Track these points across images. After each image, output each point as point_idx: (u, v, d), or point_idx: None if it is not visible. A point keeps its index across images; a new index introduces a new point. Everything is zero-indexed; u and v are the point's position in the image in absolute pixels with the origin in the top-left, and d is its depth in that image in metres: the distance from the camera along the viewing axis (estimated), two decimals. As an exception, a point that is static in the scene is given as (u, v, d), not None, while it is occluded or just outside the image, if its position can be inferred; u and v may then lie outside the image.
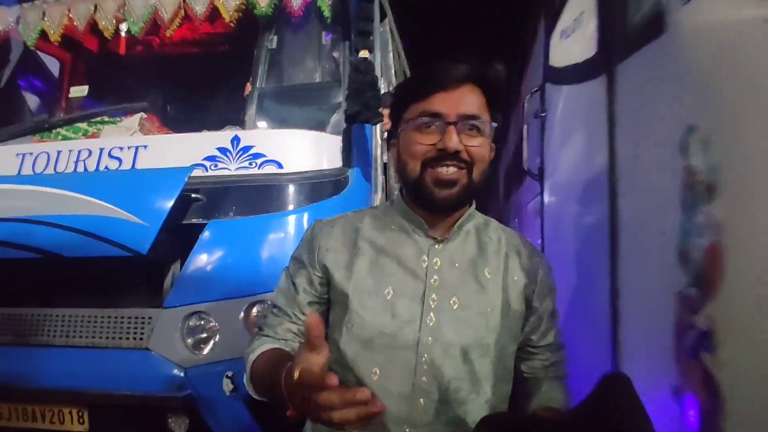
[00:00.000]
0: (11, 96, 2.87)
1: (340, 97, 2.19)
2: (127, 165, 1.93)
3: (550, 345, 0.95)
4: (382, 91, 2.51)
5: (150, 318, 1.74)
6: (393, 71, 3.30)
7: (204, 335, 1.73)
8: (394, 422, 0.79)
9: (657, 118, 0.85)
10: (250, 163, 1.91)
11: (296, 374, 0.59)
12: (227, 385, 1.64)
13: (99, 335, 1.81)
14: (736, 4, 0.61)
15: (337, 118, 2.13)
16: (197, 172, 1.87)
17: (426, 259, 0.87)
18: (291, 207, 1.85)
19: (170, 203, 1.67)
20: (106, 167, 1.93)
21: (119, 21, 2.58)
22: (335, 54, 2.40)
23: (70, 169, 1.97)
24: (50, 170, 1.99)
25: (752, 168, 0.61)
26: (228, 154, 1.91)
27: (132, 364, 1.72)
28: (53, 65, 3.08)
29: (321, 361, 0.59)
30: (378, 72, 2.38)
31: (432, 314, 0.83)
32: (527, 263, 0.93)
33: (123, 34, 2.64)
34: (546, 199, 1.93)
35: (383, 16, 3.02)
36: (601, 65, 1.12)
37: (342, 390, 0.56)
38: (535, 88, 2.11)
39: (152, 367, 1.70)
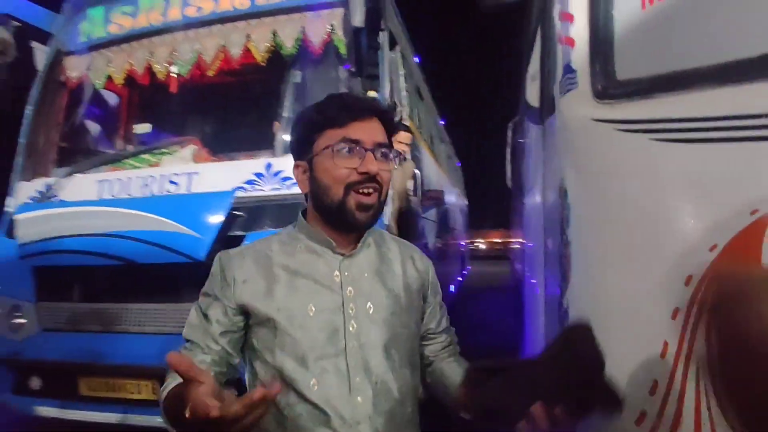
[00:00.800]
0: (80, 128, 3.42)
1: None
2: (183, 188, 2.40)
3: (446, 329, 1.09)
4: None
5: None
6: (404, 92, 3.70)
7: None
8: (341, 423, 0.85)
9: (553, 169, 1.21)
10: (281, 185, 2.35)
11: (187, 413, 0.61)
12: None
13: (165, 324, 2.29)
14: (584, 105, 0.94)
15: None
16: (238, 193, 2.32)
17: (338, 273, 0.93)
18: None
19: (221, 219, 2.13)
20: (167, 191, 2.42)
21: (170, 65, 3.07)
22: (350, 86, 2.81)
23: (139, 193, 2.46)
24: (124, 194, 2.49)
25: (585, 208, 0.96)
26: (263, 177, 2.36)
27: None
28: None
29: (207, 389, 0.62)
30: (387, 99, 2.79)
31: (353, 321, 0.90)
32: (420, 265, 1.05)
33: (173, 74, 3.14)
34: (524, 210, 2.29)
35: (394, 44, 3.42)
36: (540, 116, 1.47)
37: (235, 402, 0.60)
38: (516, 118, 2.47)
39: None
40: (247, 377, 0.97)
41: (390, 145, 0.95)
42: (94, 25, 3.29)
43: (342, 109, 0.91)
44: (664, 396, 0.79)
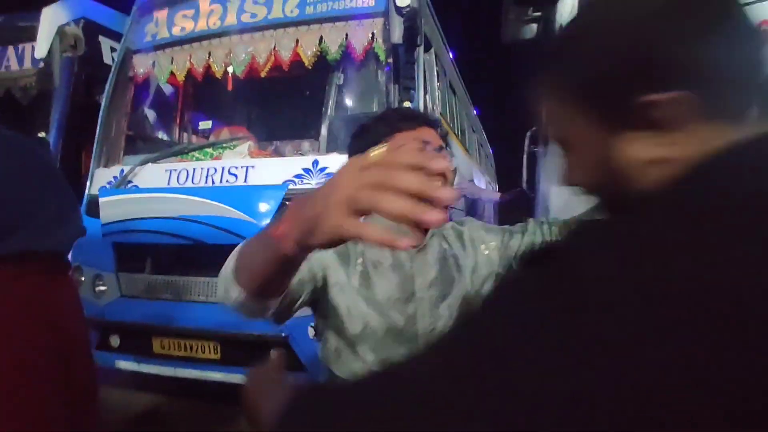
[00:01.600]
0: (147, 121, 3.85)
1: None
2: (241, 180, 2.77)
3: None
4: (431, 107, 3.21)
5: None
6: (437, 92, 3.95)
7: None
8: None
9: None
10: (326, 179, 2.68)
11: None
12: (311, 332, 2.44)
13: (225, 296, 2.68)
14: None
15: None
16: (289, 185, 2.68)
17: (411, 263, 0.99)
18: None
19: (275, 208, 2.50)
20: (227, 181, 2.79)
21: (226, 65, 3.42)
22: (388, 91, 3.10)
23: (203, 183, 2.85)
24: (189, 183, 2.88)
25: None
26: (309, 173, 2.70)
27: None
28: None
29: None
30: (425, 102, 3.07)
31: (425, 308, 0.97)
32: (475, 239, 1.09)
33: (229, 74, 3.50)
34: (538, 211, 2.55)
35: (429, 47, 3.67)
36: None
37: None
38: (533, 128, 2.72)
39: (263, 317, 2.56)
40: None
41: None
42: (159, 26, 3.66)
43: (409, 118, 1.01)
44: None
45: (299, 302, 0.93)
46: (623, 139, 0.46)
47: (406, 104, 2.64)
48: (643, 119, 0.44)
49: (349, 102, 3.29)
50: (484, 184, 8.87)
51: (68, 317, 0.88)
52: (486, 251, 1.07)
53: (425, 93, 3.26)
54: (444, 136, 1.07)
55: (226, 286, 0.74)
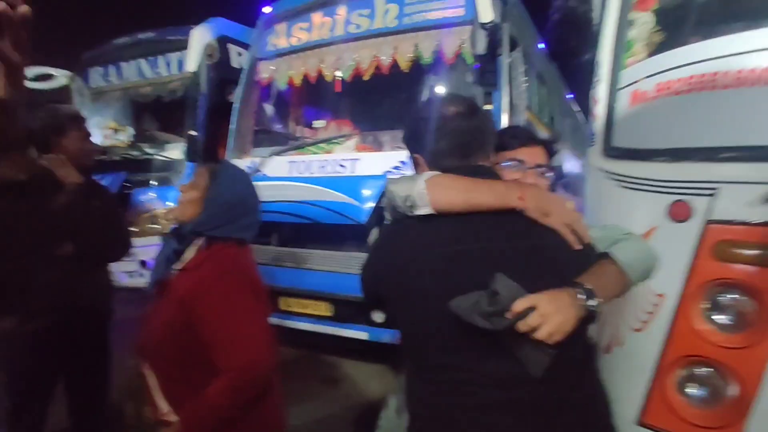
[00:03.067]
0: (270, 118, 4.60)
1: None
2: (349, 171, 3.36)
3: None
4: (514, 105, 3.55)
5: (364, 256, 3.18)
6: (522, 87, 4.22)
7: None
8: None
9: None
10: (417, 170, 3.18)
11: None
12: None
13: (336, 265, 3.32)
14: (596, 156, 1.57)
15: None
16: (388, 176, 3.21)
17: None
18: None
19: (378, 194, 3.05)
20: (337, 171, 3.40)
21: (335, 70, 4.01)
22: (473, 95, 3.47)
23: (318, 173, 3.48)
24: (306, 173, 3.54)
25: (591, 214, 1.61)
26: (405, 164, 3.20)
27: (355, 281, 3.17)
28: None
29: None
30: (507, 103, 3.42)
31: None
32: None
33: (337, 77, 4.09)
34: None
35: (515, 45, 3.97)
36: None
37: None
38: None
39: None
40: None
41: (548, 165, 1.34)
42: (279, 37, 4.34)
43: (531, 138, 1.34)
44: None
45: None
46: None
47: (488, 107, 3.03)
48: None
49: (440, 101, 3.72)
50: (577, 168, 8.78)
51: (258, 274, 1.51)
52: None
53: (510, 90, 3.59)
54: (553, 153, 1.44)
55: (412, 194, 1.01)
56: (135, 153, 5.12)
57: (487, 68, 3.25)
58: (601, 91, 1.56)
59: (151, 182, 4.83)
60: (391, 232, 1.12)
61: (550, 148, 1.40)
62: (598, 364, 1.23)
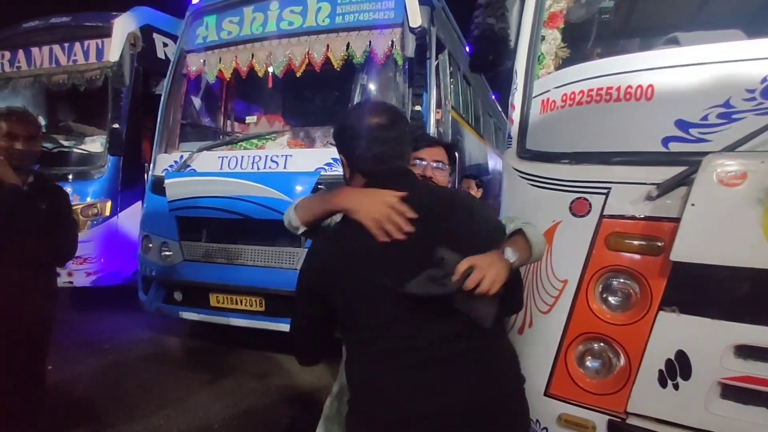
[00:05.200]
0: (198, 113, 4.48)
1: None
2: (281, 167, 3.38)
3: None
4: (441, 105, 3.73)
5: (297, 252, 3.22)
6: (449, 87, 4.44)
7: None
8: None
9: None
10: (349, 168, 3.26)
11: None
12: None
13: (267, 260, 3.33)
14: (512, 158, 1.76)
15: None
16: (320, 172, 3.27)
17: None
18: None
19: (310, 190, 3.10)
20: (269, 167, 3.40)
21: (267, 65, 3.99)
22: (403, 94, 3.62)
23: (249, 168, 3.46)
24: (238, 168, 3.51)
25: (506, 210, 1.79)
26: (338, 161, 3.27)
27: (288, 276, 3.21)
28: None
29: None
30: (435, 103, 3.59)
31: None
32: None
33: (270, 72, 4.06)
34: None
35: (443, 48, 4.16)
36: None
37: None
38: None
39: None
40: None
41: (445, 162, 1.58)
42: (209, 30, 4.22)
43: (432, 141, 1.61)
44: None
45: None
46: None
47: (417, 107, 3.18)
48: None
49: (370, 99, 3.82)
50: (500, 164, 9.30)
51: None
52: None
53: (437, 90, 3.77)
54: (453, 152, 1.67)
55: (290, 219, 1.32)
56: (49, 145, 4.76)
57: (416, 70, 3.40)
58: (517, 98, 1.73)
59: (68, 176, 4.53)
60: (323, 239, 1.26)
61: (448, 148, 1.63)
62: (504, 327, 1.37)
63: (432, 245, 1.06)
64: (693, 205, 1.27)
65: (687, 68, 1.36)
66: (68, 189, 4.36)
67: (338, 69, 3.72)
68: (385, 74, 3.75)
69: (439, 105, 3.78)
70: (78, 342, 3.92)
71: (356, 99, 3.80)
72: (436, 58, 3.85)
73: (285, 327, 3.42)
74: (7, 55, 5.22)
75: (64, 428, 2.60)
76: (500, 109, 10.30)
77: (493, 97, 9.24)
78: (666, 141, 1.38)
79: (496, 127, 9.37)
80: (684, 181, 1.30)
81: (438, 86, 3.80)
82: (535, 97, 1.72)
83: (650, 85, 1.39)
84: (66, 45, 4.96)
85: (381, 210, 1.10)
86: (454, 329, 1.07)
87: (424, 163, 1.56)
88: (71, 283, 4.40)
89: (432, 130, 3.41)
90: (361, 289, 1.10)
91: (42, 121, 5.28)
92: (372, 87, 3.83)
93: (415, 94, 3.24)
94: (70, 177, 4.56)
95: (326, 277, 1.14)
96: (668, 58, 1.41)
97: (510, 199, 1.75)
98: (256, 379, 3.34)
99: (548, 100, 1.66)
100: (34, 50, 5.09)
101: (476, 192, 3.88)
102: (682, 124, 1.35)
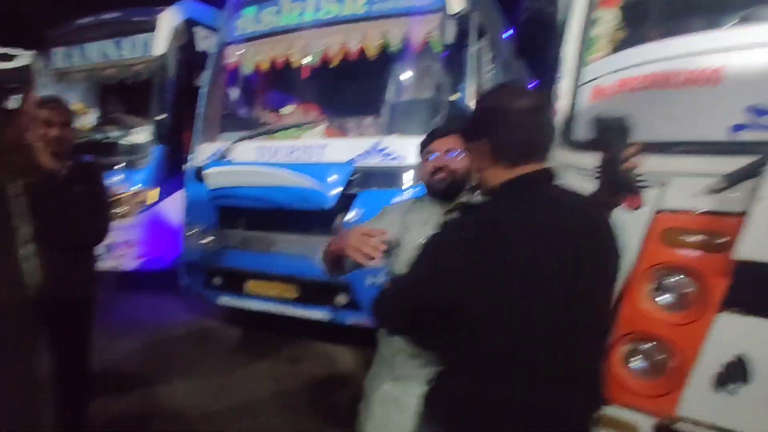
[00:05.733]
0: (237, 103, 4.53)
1: (442, 110, 3.36)
2: (316, 157, 3.38)
3: None
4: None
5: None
6: (488, 74, 4.30)
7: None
8: None
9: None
10: (384, 158, 3.22)
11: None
12: (369, 279, 3.03)
13: (302, 248, 3.34)
14: (560, 149, 1.67)
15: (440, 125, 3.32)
16: (355, 163, 3.24)
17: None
18: (406, 185, 3.15)
19: (344, 181, 3.09)
20: (305, 158, 3.41)
21: (304, 55, 3.97)
22: (441, 81, 3.52)
23: (285, 159, 3.48)
24: (274, 159, 3.53)
25: None
26: (372, 152, 3.25)
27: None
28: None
29: None
30: (474, 91, 3.49)
31: None
32: None
33: (306, 63, 4.05)
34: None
35: (483, 33, 4.03)
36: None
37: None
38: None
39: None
40: None
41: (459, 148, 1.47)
42: (247, 22, 4.26)
43: (444, 132, 1.52)
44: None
45: None
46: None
47: (455, 97, 3.10)
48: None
49: (407, 88, 3.76)
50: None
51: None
52: None
53: (477, 78, 3.66)
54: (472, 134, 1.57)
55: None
56: (100, 136, 4.96)
57: (455, 57, 3.31)
58: (563, 87, 1.65)
59: (117, 166, 4.69)
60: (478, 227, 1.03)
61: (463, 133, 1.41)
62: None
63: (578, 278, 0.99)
64: (764, 198, 1.17)
65: (763, 49, 1.25)
66: (116, 178, 4.68)
67: (374, 58, 3.68)
68: (423, 62, 3.67)
69: (478, 94, 3.69)
70: (124, 323, 4.06)
71: (392, 88, 3.74)
72: (477, 44, 3.75)
73: (318, 315, 3.52)
74: (63, 51, 5.45)
75: (109, 403, 2.70)
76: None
77: (535, 84, 8.99)
78: (734, 129, 1.27)
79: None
80: (754, 172, 1.20)
81: (478, 74, 3.71)
82: (583, 84, 1.63)
83: (718, 68, 1.28)
84: (116, 40, 5.13)
85: (356, 241, 1.24)
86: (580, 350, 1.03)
87: (437, 155, 1.50)
88: (119, 266, 4.58)
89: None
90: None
91: (95, 113, 5.50)
92: (409, 75, 3.76)
93: (453, 83, 3.16)
94: (119, 166, 4.73)
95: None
96: (740, 38, 1.30)
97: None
98: (290, 364, 3.39)
99: (599, 87, 1.58)
100: (87, 46, 5.31)
101: None
102: (754, 111, 1.24)
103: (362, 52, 3.71)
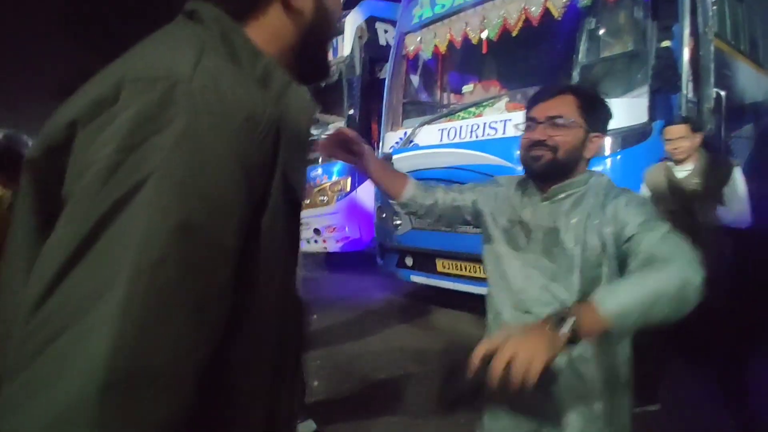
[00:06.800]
0: (418, 89, 4.69)
1: (644, 68, 2.92)
2: (500, 132, 3.28)
3: None
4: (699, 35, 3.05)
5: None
6: (710, 12, 3.56)
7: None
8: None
9: None
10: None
11: None
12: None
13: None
14: None
15: (643, 85, 2.89)
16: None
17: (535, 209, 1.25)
18: (610, 152, 2.84)
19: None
20: (488, 134, 3.34)
21: (481, 31, 3.88)
22: (644, 32, 3.05)
23: (468, 138, 3.46)
24: (457, 139, 3.54)
25: None
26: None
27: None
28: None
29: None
30: (689, 35, 2.95)
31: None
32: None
33: (483, 38, 3.96)
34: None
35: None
36: None
37: None
38: None
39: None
40: None
41: (567, 114, 1.11)
42: (423, 8, 4.33)
43: (545, 95, 1.15)
44: None
45: None
46: None
47: (666, 44, 2.64)
48: None
49: (601, 46, 3.36)
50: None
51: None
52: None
53: (693, 16, 3.07)
54: (590, 98, 1.16)
55: None
56: (302, 135, 5.68)
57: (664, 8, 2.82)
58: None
59: (317, 160, 5.35)
60: None
61: (582, 95, 1.15)
62: None
63: None
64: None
65: None
66: (319, 170, 5.32)
67: (559, 17, 3.38)
68: (620, 12, 3.24)
69: (695, 36, 3.08)
70: (329, 298, 4.59)
71: (584, 47, 3.37)
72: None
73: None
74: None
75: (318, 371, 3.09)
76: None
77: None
78: None
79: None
80: None
81: (693, 11, 3.09)
82: None
83: None
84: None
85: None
86: None
87: (532, 124, 1.14)
88: (325, 248, 5.22)
89: (685, 70, 2.82)
90: None
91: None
92: (603, 31, 3.35)
93: (662, 28, 2.70)
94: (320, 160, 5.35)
95: None
96: None
97: None
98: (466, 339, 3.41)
99: None
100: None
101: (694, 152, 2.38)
102: None
103: (546, 14, 3.44)
